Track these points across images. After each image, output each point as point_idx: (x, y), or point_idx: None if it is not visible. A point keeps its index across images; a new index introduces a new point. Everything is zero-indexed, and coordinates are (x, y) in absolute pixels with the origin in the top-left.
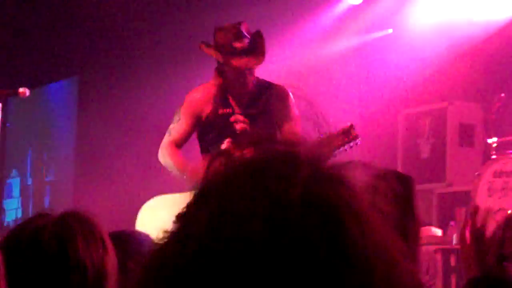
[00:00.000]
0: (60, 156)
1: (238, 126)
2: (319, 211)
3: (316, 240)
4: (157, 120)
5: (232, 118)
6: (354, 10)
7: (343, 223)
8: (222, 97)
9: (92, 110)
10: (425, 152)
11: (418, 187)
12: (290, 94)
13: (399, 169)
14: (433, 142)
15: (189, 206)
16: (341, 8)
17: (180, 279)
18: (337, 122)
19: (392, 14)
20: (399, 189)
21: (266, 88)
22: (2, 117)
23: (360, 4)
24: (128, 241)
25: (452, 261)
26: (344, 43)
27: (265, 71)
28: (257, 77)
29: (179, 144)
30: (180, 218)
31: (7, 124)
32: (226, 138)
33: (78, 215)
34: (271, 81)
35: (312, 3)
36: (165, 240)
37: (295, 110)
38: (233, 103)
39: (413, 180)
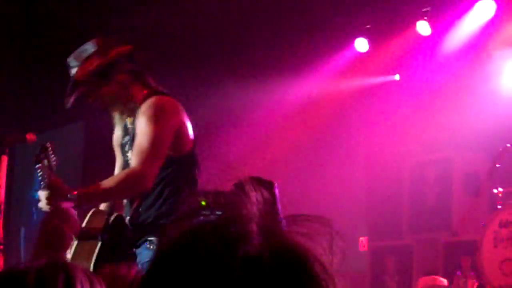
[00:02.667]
0: None
1: None
2: (287, 262)
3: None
4: None
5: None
6: (361, 57)
7: (312, 269)
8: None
9: (97, 153)
10: (430, 200)
11: (424, 235)
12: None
13: (405, 217)
14: (439, 191)
15: (150, 275)
16: (348, 55)
17: None
18: (344, 173)
19: (398, 61)
20: (265, 194)
21: None
22: (8, 162)
23: (366, 53)
24: None
25: None
26: (350, 88)
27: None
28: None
29: None
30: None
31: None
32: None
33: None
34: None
35: (320, 50)
36: None
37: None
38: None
39: (274, 183)
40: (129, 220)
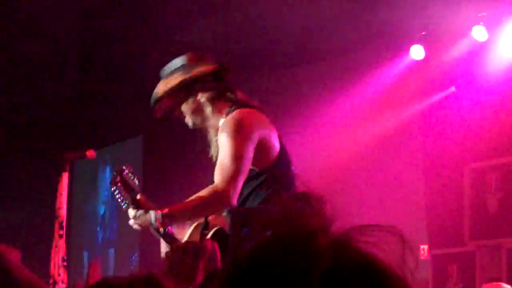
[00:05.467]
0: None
1: None
2: (362, 274)
3: None
4: None
5: None
6: (417, 66)
7: (388, 280)
8: None
9: (156, 167)
10: (493, 207)
11: (487, 242)
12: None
13: (467, 224)
14: (501, 197)
15: None
16: (404, 64)
17: None
18: (403, 180)
19: (457, 69)
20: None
21: None
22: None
23: (423, 60)
24: None
25: None
26: (410, 99)
27: (331, 127)
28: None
29: None
30: None
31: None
32: None
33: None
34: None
35: (375, 60)
36: None
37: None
38: None
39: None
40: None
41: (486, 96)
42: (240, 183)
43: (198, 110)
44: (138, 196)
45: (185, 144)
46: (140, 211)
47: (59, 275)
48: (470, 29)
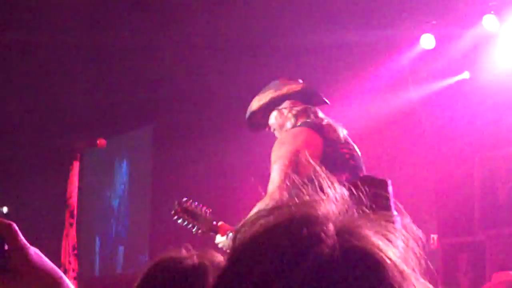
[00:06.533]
0: (136, 203)
1: None
2: (360, 263)
3: None
4: (229, 165)
5: None
6: (428, 55)
7: (386, 271)
8: None
9: (166, 156)
10: (503, 196)
11: (497, 231)
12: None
13: (477, 213)
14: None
15: (225, 273)
16: (415, 53)
17: None
18: (413, 170)
19: (468, 58)
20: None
21: None
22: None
23: (434, 49)
24: None
25: None
26: (421, 87)
27: (342, 115)
28: None
29: None
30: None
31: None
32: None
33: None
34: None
35: (386, 49)
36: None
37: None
38: None
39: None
40: None
41: (497, 86)
42: (283, 183)
43: (278, 125)
44: (215, 222)
45: (194, 133)
46: (222, 238)
47: (69, 263)
48: (480, 18)
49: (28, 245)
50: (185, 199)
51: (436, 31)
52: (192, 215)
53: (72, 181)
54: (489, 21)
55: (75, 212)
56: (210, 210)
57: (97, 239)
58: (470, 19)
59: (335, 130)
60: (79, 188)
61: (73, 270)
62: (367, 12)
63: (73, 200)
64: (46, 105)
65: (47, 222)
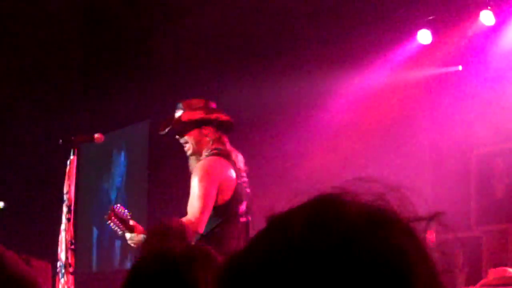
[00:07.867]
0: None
1: None
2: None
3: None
4: None
5: None
6: (424, 49)
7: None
8: None
9: (162, 151)
10: (500, 192)
11: (493, 227)
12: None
13: (473, 209)
14: (508, 182)
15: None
16: (411, 47)
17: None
18: (409, 165)
19: (462, 52)
20: None
21: None
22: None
23: (430, 44)
24: None
25: None
26: (414, 79)
27: (336, 111)
28: None
29: None
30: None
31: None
32: None
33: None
34: None
35: (383, 42)
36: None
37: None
38: None
39: None
40: None
41: (493, 81)
42: (205, 217)
43: (200, 143)
44: (131, 222)
45: None
46: (133, 234)
47: (66, 258)
48: (478, 13)
49: (4, 249)
50: (117, 206)
51: (433, 26)
52: (119, 219)
53: (69, 176)
54: (486, 17)
55: (73, 207)
56: (130, 213)
57: (94, 233)
58: (467, 15)
59: (240, 160)
60: (77, 182)
61: (70, 265)
62: (364, 7)
63: (71, 195)
64: (44, 99)
65: (44, 217)
